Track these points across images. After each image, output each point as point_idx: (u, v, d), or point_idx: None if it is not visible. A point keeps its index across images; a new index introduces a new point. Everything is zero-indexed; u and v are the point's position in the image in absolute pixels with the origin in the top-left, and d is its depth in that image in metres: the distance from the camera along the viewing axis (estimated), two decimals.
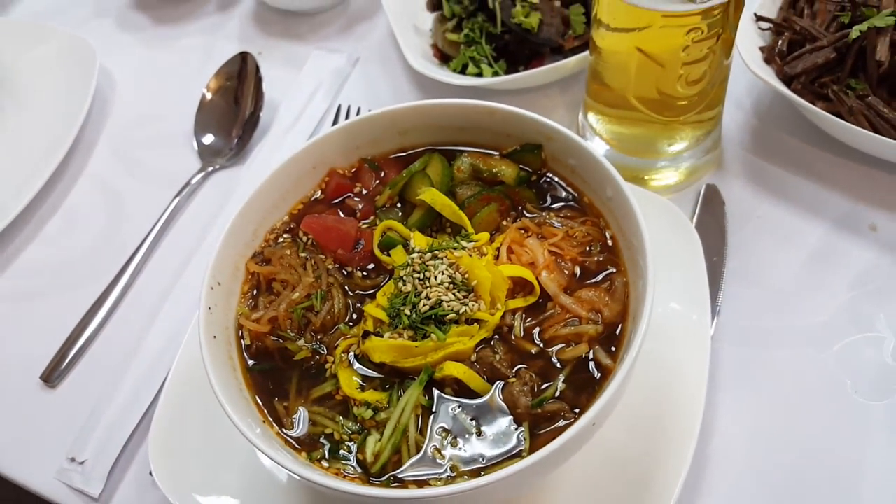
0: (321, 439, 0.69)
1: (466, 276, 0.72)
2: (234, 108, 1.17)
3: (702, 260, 0.86)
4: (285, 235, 0.82)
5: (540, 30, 1.07)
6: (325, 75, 1.23)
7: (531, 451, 0.65)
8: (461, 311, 0.70)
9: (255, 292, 0.79)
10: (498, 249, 0.76)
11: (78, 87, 1.21)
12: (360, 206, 0.83)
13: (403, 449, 0.67)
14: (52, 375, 0.95)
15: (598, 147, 1.00)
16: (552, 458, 0.59)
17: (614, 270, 0.75)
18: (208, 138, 1.16)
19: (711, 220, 0.97)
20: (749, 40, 1.00)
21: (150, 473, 0.80)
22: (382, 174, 0.86)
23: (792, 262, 0.94)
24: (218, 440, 0.79)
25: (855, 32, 0.92)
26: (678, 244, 0.88)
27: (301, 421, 0.71)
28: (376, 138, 0.86)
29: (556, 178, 0.83)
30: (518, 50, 1.09)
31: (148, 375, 0.94)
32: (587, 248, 0.77)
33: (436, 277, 0.72)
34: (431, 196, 0.78)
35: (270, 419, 0.71)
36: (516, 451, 0.66)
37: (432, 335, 0.69)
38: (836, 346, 0.86)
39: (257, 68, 1.18)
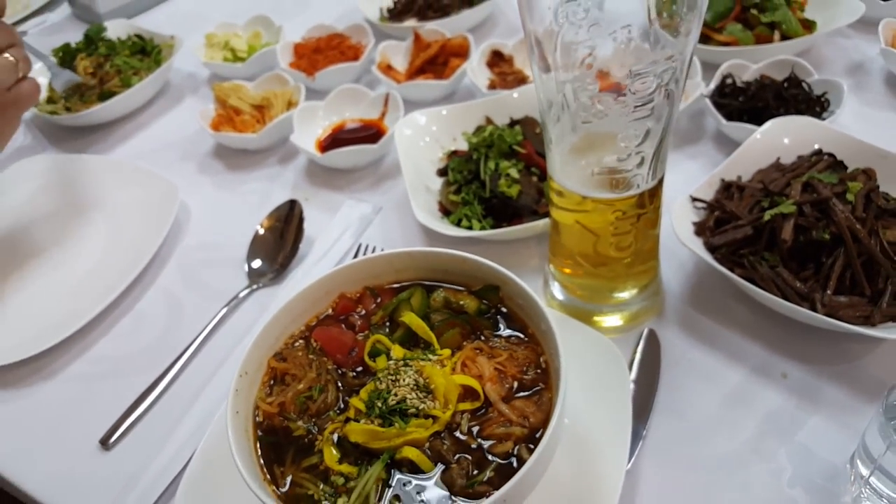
0: (304, 499, 0.91)
1: (428, 380, 0.96)
2: (280, 242, 1.47)
3: (628, 387, 1.07)
4: (300, 341, 1.08)
5: (519, 197, 1.35)
6: (353, 219, 1.53)
7: None
8: (420, 408, 0.93)
9: (272, 382, 1.03)
10: (455, 363, 0.99)
11: (161, 217, 1.53)
12: (359, 323, 1.09)
13: None
14: (108, 441, 1.20)
15: (557, 292, 1.25)
16: None
17: (543, 387, 0.98)
18: (256, 263, 1.45)
19: (648, 359, 1.19)
20: (684, 216, 1.27)
21: None
22: (379, 300, 1.12)
23: (712, 400, 1.13)
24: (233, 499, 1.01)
25: (767, 216, 1.17)
26: (608, 371, 1.10)
27: (291, 483, 0.93)
28: (377, 273, 1.13)
29: (509, 313, 1.07)
30: (502, 211, 1.38)
31: (184, 446, 1.18)
32: (524, 369, 1.00)
33: (404, 380, 0.96)
34: (410, 318, 1.03)
35: (269, 479, 0.93)
36: None
37: (396, 424, 0.92)
38: (741, 473, 1.04)
39: (301, 212, 1.50)
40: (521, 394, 0.98)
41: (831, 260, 1.12)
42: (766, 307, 1.20)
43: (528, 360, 1.01)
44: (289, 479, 0.93)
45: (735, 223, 1.23)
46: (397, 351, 1.01)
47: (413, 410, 0.93)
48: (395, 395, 0.95)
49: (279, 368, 1.04)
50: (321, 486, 0.91)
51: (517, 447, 0.92)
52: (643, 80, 0.91)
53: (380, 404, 0.94)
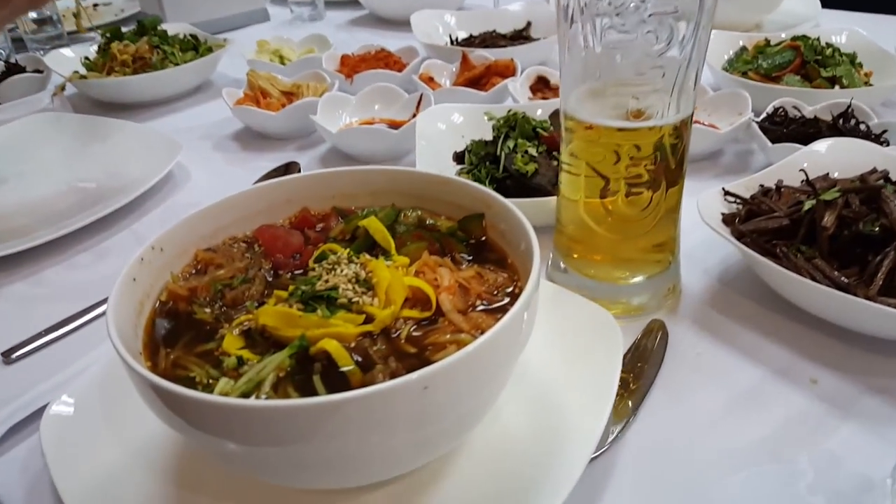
0: (182, 380, 0.71)
1: (370, 275, 0.77)
2: None
3: (618, 360, 0.85)
4: (242, 244, 0.92)
5: (534, 176, 1.20)
6: None
7: None
8: (353, 300, 0.74)
9: (193, 272, 0.86)
10: (410, 270, 0.81)
11: (154, 169, 1.44)
12: (315, 236, 0.92)
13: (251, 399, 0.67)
14: (11, 354, 1.03)
15: (560, 275, 1.06)
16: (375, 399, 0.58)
17: (510, 308, 0.77)
18: None
19: (651, 347, 0.96)
20: (712, 205, 1.08)
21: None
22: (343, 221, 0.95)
23: (721, 396, 0.90)
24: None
25: (807, 205, 0.98)
26: (598, 342, 0.88)
27: (172, 365, 0.73)
28: (350, 193, 0.97)
29: (490, 243, 0.89)
30: (515, 192, 1.22)
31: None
32: (494, 291, 0.80)
33: (342, 270, 0.78)
34: (369, 222, 0.86)
35: (147, 355, 0.74)
36: None
37: (318, 311, 0.73)
38: (746, 473, 0.78)
39: (299, 170, 1.38)
40: (482, 307, 0.77)
41: (880, 258, 0.91)
42: (795, 307, 0.98)
43: (500, 285, 0.81)
44: (170, 360, 0.74)
45: (769, 215, 1.04)
46: (344, 253, 0.84)
47: (343, 301, 0.74)
48: (327, 281, 0.76)
49: (205, 259, 0.87)
50: (207, 369, 0.71)
51: None
52: None
53: (304, 287, 0.76)
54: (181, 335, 0.77)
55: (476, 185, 0.90)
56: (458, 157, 1.36)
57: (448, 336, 0.72)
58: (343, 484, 0.74)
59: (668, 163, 0.92)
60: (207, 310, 0.79)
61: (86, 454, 0.81)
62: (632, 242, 0.98)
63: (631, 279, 1.02)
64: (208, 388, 0.69)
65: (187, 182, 1.54)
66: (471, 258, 0.87)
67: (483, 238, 0.90)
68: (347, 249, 0.84)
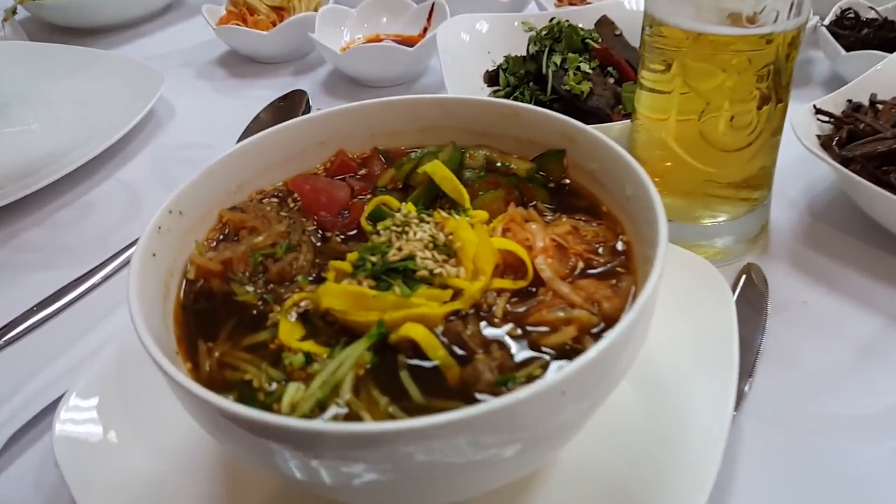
0: (236, 385, 0.57)
1: (450, 238, 0.63)
2: None
3: (732, 316, 0.73)
4: (273, 199, 0.76)
5: (589, 98, 1.04)
6: None
7: None
8: (435, 272, 0.60)
9: (220, 238, 0.71)
10: (495, 227, 0.66)
11: (136, 106, 1.25)
12: (359, 186, 0.76)
13: (330, 407, 0.54)
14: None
15: None
16: (498, 415, 0.45)
17: (623, 271, 0.64)
18: None
19: (750, 297, 0.84)
20: (806, 127, 0.94)
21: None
22: (387, 165, 0.80)
23: (837, 351, 0.79)
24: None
25: None
26: (704, 298, 0.75)
27: (219, 365, 0.59)
28: (395, 130, 0.81)
29: (576, 187, 0.74)
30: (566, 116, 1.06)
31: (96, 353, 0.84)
32: (595, 247, 0.66)
33: (416, 233, 0.63)
34: (433, 167, 0.70)
35: (186, 354, 0.60)
36: None
37: (395, 288, 0.58)
38: (889, 443, 0.68)
39: (309, 103, 1.20)
40: (590, 273, 0.64)
41: None
42: None
43: (602, 239, 0.67)
44: (216, 357, 0.59)
45: (873, 137, 0.90)
46: (408, 208, 0.69)
47: (424, 273, 0.60)
48: (400, 249, 0.61)
49: (234, 220, 0.71)
50: (265, 369, 0.57)
51: (581, 337, 0.57)
52: None
53: (373, 259, 0.61)
54: (222, 323, 0.62)
55: (555, 114, 0.74)
56: (491, 78, 1.19)
57: (560, 313, 0.59)
58: (433, 502, 0.62)
59: (780, 77, 0.77)
60: (250, 288, 0.64)
61: (112, 468, 0.67)
62: (726, 173, 0.85)
63: (717, 218, 0.88)
64: (272, 397, 0.55)
65: (172, 118, 1.35)
66: (553, 207, 0.72)
67: (564, 181, 0.75)
68: (408, 203, 0.69)
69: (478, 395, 0.54)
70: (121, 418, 0.71)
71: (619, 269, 0.64)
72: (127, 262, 0.98)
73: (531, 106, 0.76)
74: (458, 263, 0.61)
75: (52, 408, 0.76)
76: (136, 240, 0.98)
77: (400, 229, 0.63)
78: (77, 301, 0.94)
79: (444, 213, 0.65)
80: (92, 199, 1.14)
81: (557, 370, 0.52)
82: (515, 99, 1.09)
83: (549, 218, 0.69)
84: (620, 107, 1.05)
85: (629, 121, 0.96)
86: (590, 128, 0.71)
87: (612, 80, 1.08)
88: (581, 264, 0.64)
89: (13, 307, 0.91)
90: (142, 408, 0.72)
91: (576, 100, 1.04)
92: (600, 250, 0.66)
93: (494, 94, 1.17)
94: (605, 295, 0.60)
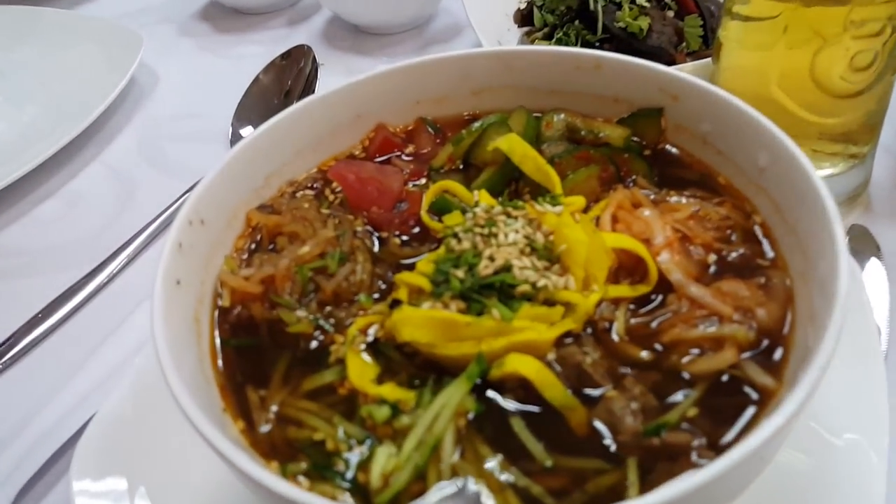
0: (306, 448, 0.45)
1: (551, 238, 0.50)
2: (283, 101, 1.01)
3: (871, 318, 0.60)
4: (308, 192, 0.62)
5: (648, 36, 0.89)
6: None
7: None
8: (539, 285, 0.47)
9: (252, 248, 0.57)
10: (597, 218, 0.53)
11: (114, 77, 1.08)
12: (410, 168, 0.63)
13: (431, 474, 0.42)
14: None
15: None
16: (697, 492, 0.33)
17: (766, 264, 0.51)
18: (246, 128, 0.99)
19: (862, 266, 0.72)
20: None
21: None
22: (440, 140, 0.66)
23: None
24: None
25: None
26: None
27: (279, 418, 0.47)
28: (443, 95, 0.67)
29: (681, 154, 0.61)
30: None
31: (103, 381, 0.71)
32: (728, 235, 0.53)
33: (507, 235, 0.50)
34: (509, 143, 0.57)
35: (236, 409, 0.47)
36: (618, 498, 0.40)
37: (493, 311, 0.46)
38: None
39: (315, 60, 1.04)
40: (725, 270, 0.51)
41: None
42: None
43: (731, 222, 0.54)
44: (273, 410, 0.47)
45: None
46: (484, 198, 0.55)
47: (526, 289, 0.47)
48: (491, 259, 0.48)
49: (267, 225, 0.57)
50: (339, 425, 0.45)
51: (741, 362, 0.45)
52: None
53: (460, 274, 0.48)
54: (273, 362, 0.50)
55: (650, 64, 0.60)
56: (524, 17, 1.03)
57: (707, 329, 0.46)
58: None
59: None
60: (301, 313, 0.51)
61: None
62: (835, 123, 0.72)
63: (820, 170, 0.76)
64: (346, 458, 0.43)
65: (156, 86, 1.18)
66: (655, 182, 0.59)
67: (662, 147, 0.62)
68: (481, 192, 0.56)
69: (616, 447, 0.42)
70: (147, 459, 0.58)
71: (759, 261, 0.52)
72: (128, 262, 0.85)
73: (616, 55, 0.62)
74: (563, 271, 0.49)
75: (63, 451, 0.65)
76: (135, 236, 0.88)
77: (485, 230, 0.50)
78: (74, 314, 0.81)
79: (538, 206, 0.51)
80: (76, 188, 1.00)
81: (743, 428, 0.40)
82: (558, 42, 0.94)
83: (652, 197, 0.56)
84: (684, 45, 0.91)
85: (703, 61, 0.83)
86: (698, 80, 0.57)
87: (671, 14, 0.93)
88: (712, 258, 0.52)
89: (3, 325, 0.78)
90: (170, 442, 0.59)
91: (633, 39, 0.90)
92: (733, 237, 0.53)
93: (528, 37, 1.01)
94: (757, 300, 0.48)
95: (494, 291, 0.47)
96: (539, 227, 0.50)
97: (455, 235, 0.51)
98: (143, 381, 0.61)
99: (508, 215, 0.51)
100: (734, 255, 0.52)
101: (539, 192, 0.56)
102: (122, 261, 0.85)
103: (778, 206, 0.53)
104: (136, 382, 0.62)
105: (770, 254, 0.52)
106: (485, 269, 0.48)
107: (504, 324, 0.46)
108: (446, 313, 0.46)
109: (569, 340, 0.47)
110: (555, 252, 0.49)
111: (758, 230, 0.54)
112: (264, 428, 0.46)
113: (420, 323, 0.46)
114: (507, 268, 0.48)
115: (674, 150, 0.61)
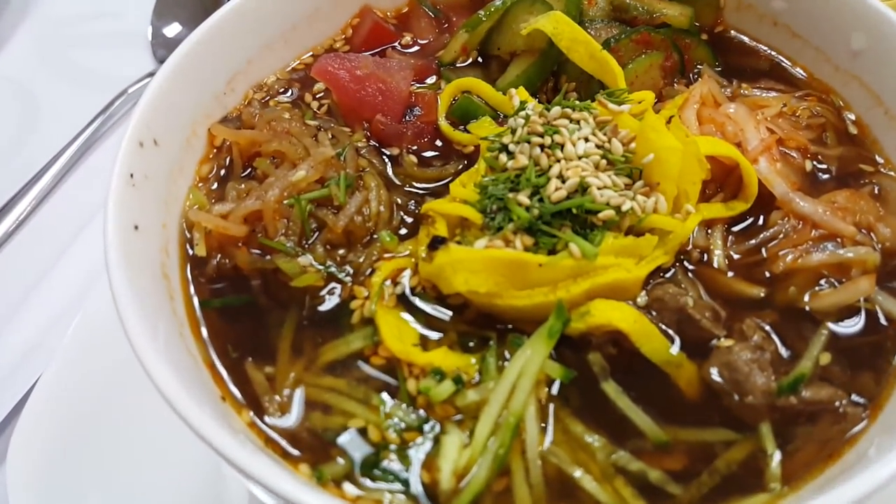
0: (339, 439, 0.34)
1: (632, 147, 0.39)
2: None
3: None
4: (283, 98, 0.48)
5: None
6: None
7: (787, 481, 0.31)
8: (624, 209, 0.37)
9: (221, 173, 0.44)
10: (678, 112, 0.42)
11: None
12: (412, 63, 0.49)
13: (516, 466, 0.32)
14: None
15: None
16: None
17: (871, 169, 0.43)
18: (172, 28, 0.82)
19: None
20: None
21: None
22: (446, 25, 0.53)
23: None
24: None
25: None
26: None
27: (299, 403, 0.35)
28: None
29: (743, 38, 0.50)
30: None
31: (37, 344, 0.57)
32: (820, 136, 0.44)
33: (575, 145, 0.38)
34: (555, 24, 0.44)
35: (238, 396, 0.35)
36: (756, 481, 0.32)
37: (571, 246, 0.35)
38: None
39: None
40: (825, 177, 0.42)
41: None
42: None
43: (823, 120, 0.45)
44: (287, 394, 0.35)
45: None
46: (523, 97, 0.43)
47: (609, 214, 0.36)
48: (561, 178, 0.37)
49: (239, 143, 0.44)
50: (383, 407, 0.34)
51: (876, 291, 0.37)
52: None
53: (524, 200, 0.37)
54: (274, 327, 0.38)
55: None
56: None
57: (826, 252, 0.37)
58: None
59: None
60: (304, 260, 0.39)
61: None
62: None
63: None
64: (404, 452, 0.33)
65: None
66: (720, 72, 0.49)
67: (716, 30, 0.51)
68: (519, 89, 0.44)
69: (742, 410, 0.34)
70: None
71: (863, 166, 0.43)
72: (43, 199, 0.69)
73: None
74: (650, 189, 0.38)
75: None
76: (49, 164, 0.71)
77: (545, 140, 0.39)
78: None
79: (610, 105, 0.40)
80: None
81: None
82: None
83: (728, 92, 0.46)
84: None
85: None
86: None
87: None
88: (810, 165, 0.42)
89: None
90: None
91: None
92: (826, 138, 0.44)
93: None
94: (876, 213, 0.39)
95: (568, 221, 0.36)
96: (615, 133, 0.39)
97: (504, 149, 0.39)
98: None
99: (570, 119, 0.40)
100: (833, 159, 0.43)
101: (588, 89, 0.45)
102: (36, 196, 0.68)
103: (879, 98, 0.43)
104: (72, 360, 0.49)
105: (876, 157, 0.43)
106: (556, 191, 0.36)
107: (585, 262, 0.35)
108: (512, 252, 0.35)
109: (659, 279, 0.38)
110: (634, 163, 0.39)
111: (852, 129, 0.45)
112: (278, 419, 0.35)
113: (477, 266, 0.35)
114: (583, 188, 0.37)
115: (735, 34, 0.51)
